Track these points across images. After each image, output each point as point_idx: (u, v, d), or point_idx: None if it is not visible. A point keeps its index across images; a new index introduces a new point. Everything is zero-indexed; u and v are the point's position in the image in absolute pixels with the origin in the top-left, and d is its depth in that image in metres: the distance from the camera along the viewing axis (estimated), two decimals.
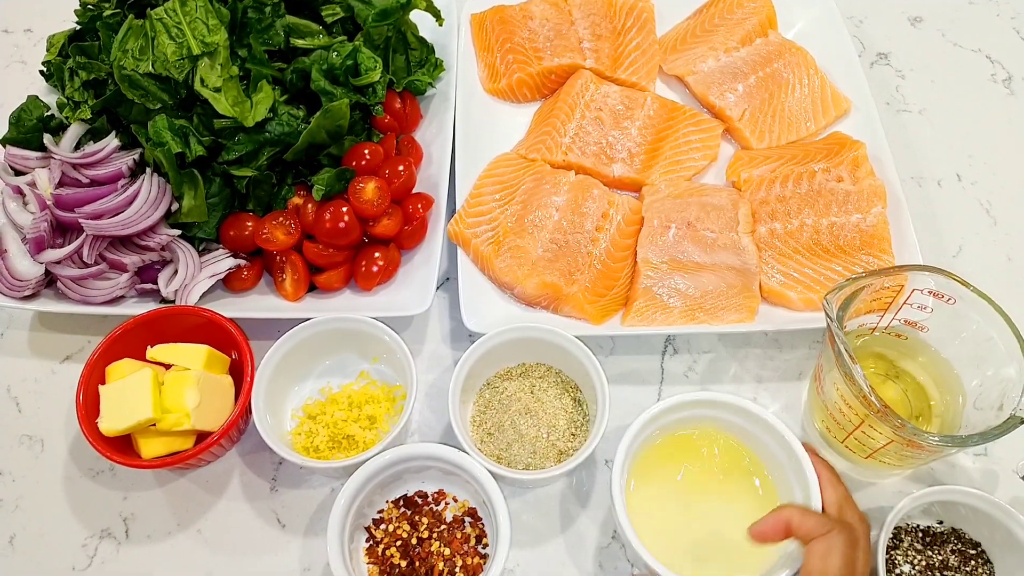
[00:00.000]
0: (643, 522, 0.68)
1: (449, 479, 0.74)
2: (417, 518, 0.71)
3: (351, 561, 0.67)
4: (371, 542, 0.71)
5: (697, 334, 0.86)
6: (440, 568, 0.68)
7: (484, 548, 0.71)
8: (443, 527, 0.71)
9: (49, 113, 0.91)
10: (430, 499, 0.73)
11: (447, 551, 0.69)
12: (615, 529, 0.76)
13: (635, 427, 0.69)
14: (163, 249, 0.84)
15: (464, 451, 0.69)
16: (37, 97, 0.91)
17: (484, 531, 0.71)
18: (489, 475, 0.68)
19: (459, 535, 0.71)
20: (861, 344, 0.77)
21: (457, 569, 0.68)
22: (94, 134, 0.89)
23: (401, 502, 0.73)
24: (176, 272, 0.84)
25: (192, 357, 0.76)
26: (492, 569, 0.64)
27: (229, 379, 0.78)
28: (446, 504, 0.74)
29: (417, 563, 0.68)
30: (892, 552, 0.72)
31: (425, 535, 0.70)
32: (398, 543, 0.70)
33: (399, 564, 0.68)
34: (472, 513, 0.73)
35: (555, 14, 1.04)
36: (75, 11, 0.91)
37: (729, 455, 0.74)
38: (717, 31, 1.04)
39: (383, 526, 0.71)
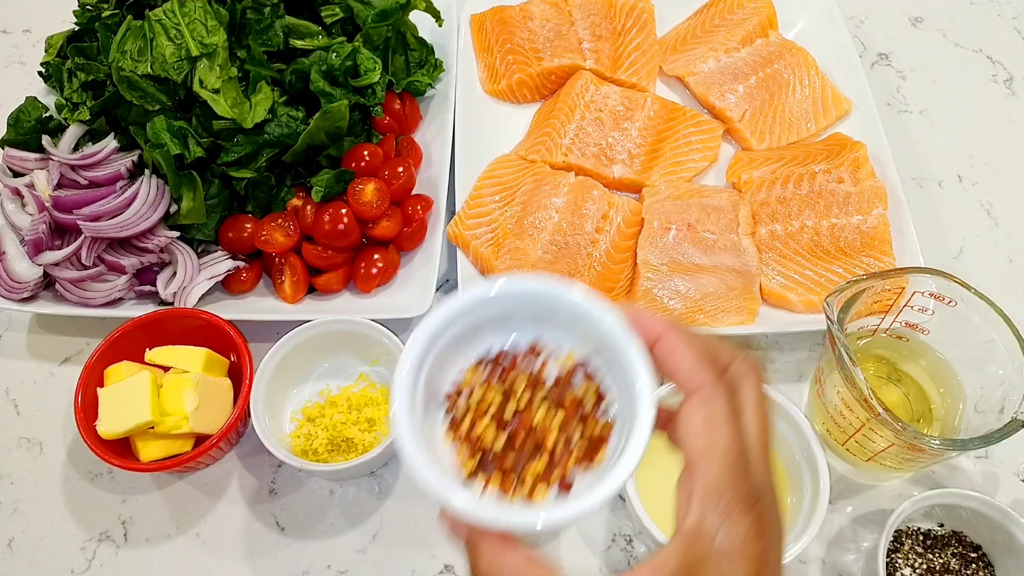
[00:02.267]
0: (650, 499, 0.68)
1: (546, 323, 0.53)
2: (510, 380, 0.51)
3: (429, 444, 0.47)
4: (451, 419, 0.52)
5: None
6: (552, 442, 0.47)
7: (608, 411, 0.49)
8: (547, 389, 0.51)
9: (48, 114, 0.91)
10: (523, 353, 0.53)
11: (557, 419, 0.49)
12: (614, 532, 0.76)
13: None
14: (162, 251, 0.84)
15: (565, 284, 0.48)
16: (36, 98, 0.90)
17: (603, 390, 0.51)
18: (610, 314, 0.45)
19: (570, 398, 0.50)
20: (862, 346, 0.77)
21: (575, 441, 0.48)
22: (93, 135, 0.88)
23: (486, 361, 0.52)
24: (175, 274, 0.83)
25: (191, 360, 0.75)
26: (634, 435, 0.42)
27: (228, 381, 0.78)
28: (546, 358, 0.53)
29: (519, 438, 0.49)
30: (893, 555, 0.72)
31: (524, 401, 0.50)
32: (489, 414, 0.50)
33: (494, 441, 0.49)
34: (584, 366, 0.52)
35: (555, 15, 1.03)
36: (74, 12, 0.91)
37: None
38: (717, 32, 1.04)
39: (465, 393, 0.51)
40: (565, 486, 0.45)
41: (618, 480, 0.40)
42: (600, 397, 0.48)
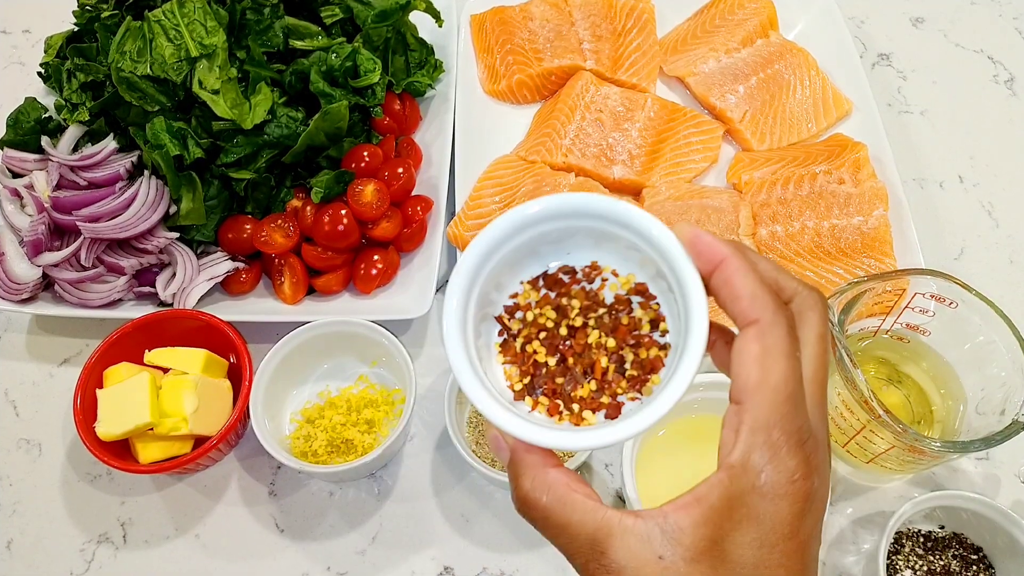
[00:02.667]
0: (651, 502, 0.68)
1: (604, 246, 0.51)
2: (565, 301, 0.50)
3: (480, 363, 0.47)
4: (505, 336, 0.50)
5: None
6: (604, 365, 0.46)
7: (663, 336, 0.48)
8: (602, 311, 0.49)
9: (47, 115, 0.90)
10: (579, 275, 0.51)
11: (611, 341, 0.47)
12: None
13: None
14: (161, 252, 0.84)
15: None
16: (35, 99, 0.90)
17: (661, 314, 0.48)
18: (667, 232, 0.43)
19: (626, 320, 0.49)
20: (862, 348, 0.77)
21: (628, 365, 0.47)
22: (92, 136, 0.88)
23: (540, 281, 0.51)
24: (174, 275, 0.83)
25: (190, 361, 0.75)
26: (683, 363, 0.40)
27: (227, 383, 0.78)
28: (603, 281, 0.51)
29: (571, 359, 0.47)
30: (893, 557, 0.72)
31: (578, 323, 0.48)
32: (542, 335, 0.48)
33: (546, 362, 0.47)
34: (642, 291, 0.51)
35: (555, 15, 1.03)
36: (73, 12, 0.91)
37: None
38: (718, 32, 1.04)
39: (519, 314, 0.50)
40: (613, 412, 0.44)
41: (667, 403, 0.39)
42: (657, 320, 0.46)
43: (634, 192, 0.94)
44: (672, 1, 1.09)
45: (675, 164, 0.94)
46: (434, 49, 0.99)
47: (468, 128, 0.95)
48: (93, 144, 0.87)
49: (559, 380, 0.45)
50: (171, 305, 0.83)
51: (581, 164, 0.93)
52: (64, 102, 0.88)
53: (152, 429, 0.72)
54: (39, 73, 0.94)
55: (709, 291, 0.40)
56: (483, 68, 1.03)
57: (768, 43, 1.03)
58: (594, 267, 0.49)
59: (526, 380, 0.46)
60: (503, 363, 0.48)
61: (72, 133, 0.87)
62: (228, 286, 0.85)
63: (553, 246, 0.48)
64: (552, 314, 0.48)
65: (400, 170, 0.87)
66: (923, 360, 0.75)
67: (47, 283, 0.84)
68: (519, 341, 0.48)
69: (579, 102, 0.96)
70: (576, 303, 0.47)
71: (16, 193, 0.85)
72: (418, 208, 0.87)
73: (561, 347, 0.47)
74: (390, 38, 0.94)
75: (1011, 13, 1.15)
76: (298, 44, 0.89)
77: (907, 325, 0.74)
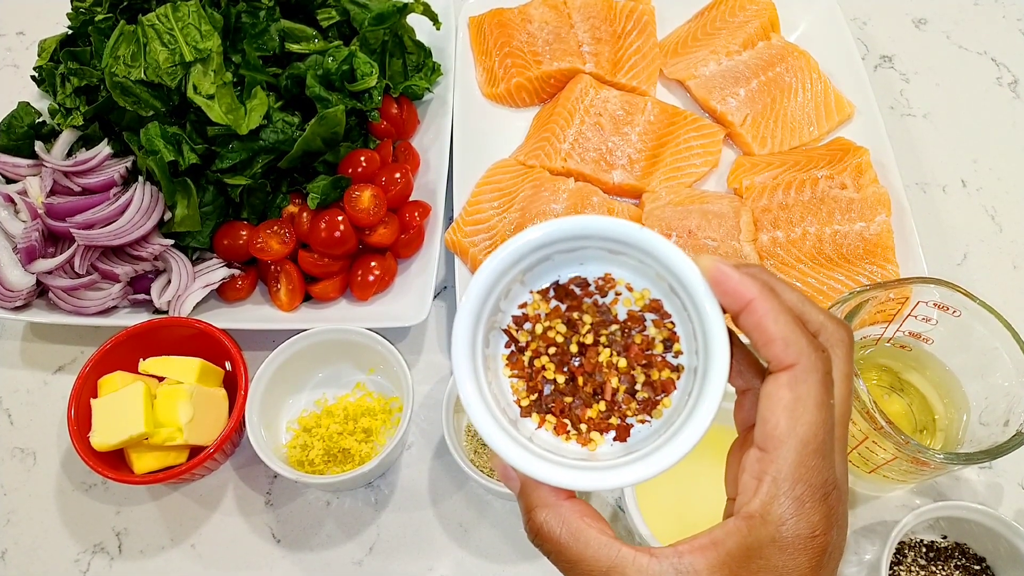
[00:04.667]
0: (650, 511, 0.67)
1: (619, 259, 0.48)
2: (576, 315, 0.47)
3: (486, 375, 0.46)
4: (513, 348, 0.48)
5: None
6: (614, 386, 0.45)
7: (677, 357, 0.46)
8: (614, 328, 0.47)
9: (41, 119, 0.90)
10: (592, 287, 0.49)
11: (622, 362, 0.45)
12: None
13: None
14: (156, 259, 0.83)
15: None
16: (28, 103, 0.89)
17: (675, 333, 0.46)
18: (689, 264, 0.42)
19: (638, 339, 0.47)
20: (865, 356, 0.76)
21: (639, 386, 0.45)
22: (86, 141, 0.87)
23: (551, 292, 0.48)
24: (169, 282, 0.83)
25: (185, 370, 0.74)
26: (707, 387, 0.40)
27: (223, 392, 0.77)
28: (617, 295, 0.48)
29: (580, 379, 0.45)
30: (896, 568, 0.71)
31: (589, 340, 0.46)
32: (551, 350, 0.47)
33: (554, 379, 0.46)
34: (656, 307, 0.47)
35: (554, 17, 1.02)
36: (67, 14, 0.90)
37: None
38: (719, 34, 1.03)
39: (528, 325, 0.48)
40: (622, 434, 0.43)
41: (685, 446, 0.38)
42: (671, 340, 0.45)
43: (634, 196, 0.93)
44: (672, 3, 1.08)
45: (675, 168, 0.93)
46: (432, 52, 0.98)
47: (466, 132, 0.94)
48: (87, 149, 0.86)
49: (568, 399, 0.44)
50: (166, 312, 0.82)
51: (580, 169, 0.92)
52: (58, 106, 0.88)
53: (147, 439, 0.71)
54: (33, 77, 0.94)
55: (737, 326, 0.39)
56: (481, 71, 1.02)
57: (769, 45, 1.02)
58: (607, 280, 0.47)
59: (533, 396, 0.44)
60: (510, 376, 0.46)
61: (66, 138, 0.86)
62: (224, 293, 0.85)
63: (566, 255, 0.47)
64: (563, 328, 0.46)
65: (397, 175, 0.86)
66: (926, 368, 0.75)
67: (41, 290, 0.83)
68: (527, 355, 0.46)
69: (578, 106, 0.95)
70: (588, 318, 0.46)
71: (9, 199, 0.85)
72: (416, 214, 0.87)
73: (571, 365, 0.45)
74: (387, 41, 0.93)
75: (1015, 15, 1.14)
76: (294, 48, 0.88)
77: (910, 333, 0.73)
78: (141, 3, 0.87)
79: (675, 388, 0.43)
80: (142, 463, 0.72)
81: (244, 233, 0.84)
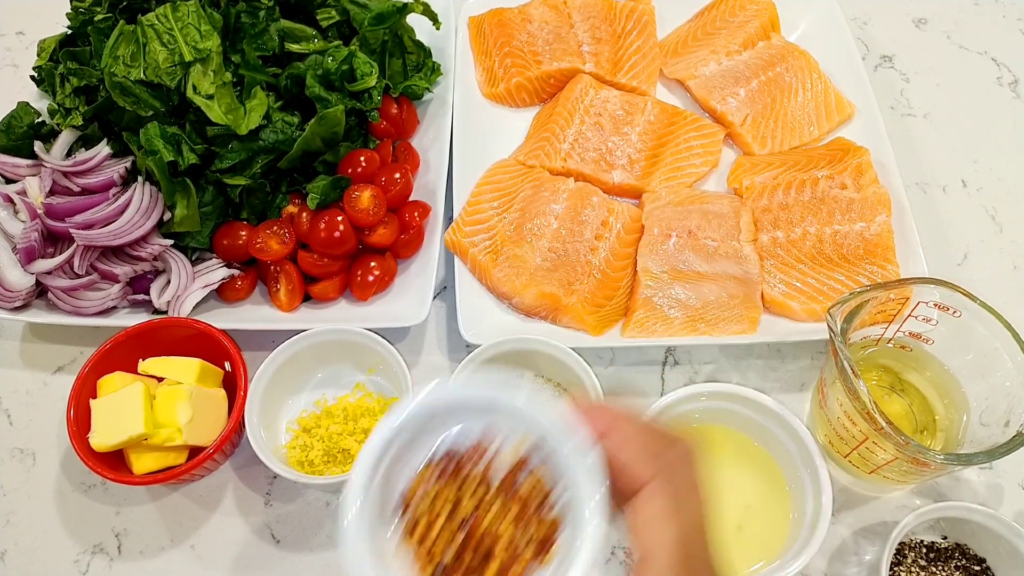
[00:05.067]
0: None
1: (491, 418, 0.51)
2: (455, 489, 0.49)
3: (385, 552, 0.48)
4: (405, 524, 0.50)
5: (698, 345, 0.85)
6: (503, 546, 0.46)
7: (556, 503, 0.47)
8: (493, 493, 0.49)
9: (40, 119, 0.89)
10: (469, 454, 0.50)
11: (506, 526, 0.47)
12: (613, 546, 0.75)
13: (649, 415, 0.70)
14: (155, 259, 0.83)
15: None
16: (28, 103, 0.89)
17: (552, 481, 0.48)
18: (538, 405, 0.47)
19: (516, 507, 0.48)
20: (865, 356, 0.76)
21: (525, 542, 0.46)
22: (86, 141, 0.87)
23: (432, 466, 0.51)
24: (169, 282, 0.82)
25: (184, 371, 0.74)
26: (584, 528, 0.43)
27: (222, 392, 0.77)
28: (492, 456, 0.50)
29: (468, 554, 0.47)
30: (896, 568, 0.71)
31: (469, 508, 0.48)
32: (439, 522, 0.48)
33: (445, 552, 0.47)
34: (526, 461, 0.49)
35: (554, 17, 1.02)
36: (67, 14, 0.90)
37: (736, 447, 0.74)
38: (719, 34, 1.03)
39: (416, 500, 0.50)
40: None
41: None
42: (548, 492, 0.48)
43: (634, 196, 0.93)
44: (672, 3, 1.08)
45: (675, 168, 0.93)
46: (432, 52, 0.98)
47: (466, 132, 0.94)
48: (87, 149, 0.86)
49: (462, 567, 0.47)
50: (165, 313, 0.82)
51: (580, 169, 0.92)
52: (57, 106, 0.87)
53: (146, 439, 0.71)
54: (32, 77, 0.93)
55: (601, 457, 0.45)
56: (481, 71, 1.02)
57: (769, 45, 1.02)
58: (485, 438, 0.50)
59: (430, 570, 0.47)
60: (406, 549, 0.48)
61: (65, 138, 0.86)
62: (223, 293, 0.84)
63: (449, 414, 0.51)
64: (451, 494, 0.49)
65: (397, 175, 0.86)
66: (926, 369, 0.75)
67: (40, 290, 0.83)
68: (420, 527, 0.49)
69: (578, 106, 0.95)
70: (471, 482, 0.49)
71: (9, 199, 0.84)
72: (415, 214, 0.86)
73: (459, 536, 0.48)
74: (387, 41, 0.93)
75: (1015, 14, 1.14)
76: (294, 47, 0.88)
77: (910, 333, 0.73)
78: (141, 3, 0.86)
79: (560, 529, 0.47)
80: (141, 464, 0.72)
81: (244, 233, 0.84)
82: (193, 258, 0.85)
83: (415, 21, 0.96)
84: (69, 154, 0.87)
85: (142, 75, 0.80)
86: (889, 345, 0.75)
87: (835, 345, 0.65)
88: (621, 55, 1.01)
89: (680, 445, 0.47)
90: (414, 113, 0.96)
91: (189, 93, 0.80)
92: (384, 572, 0.46)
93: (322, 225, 0.82)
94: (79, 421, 0.72)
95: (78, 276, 0.81)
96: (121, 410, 0.71)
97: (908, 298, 0.70)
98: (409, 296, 0.84)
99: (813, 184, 0.88)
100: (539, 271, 0.83)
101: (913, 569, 0.71)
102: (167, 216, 0.83)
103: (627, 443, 0.45)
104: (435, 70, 0.98)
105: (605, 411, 0.46)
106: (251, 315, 0.84)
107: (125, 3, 0.87)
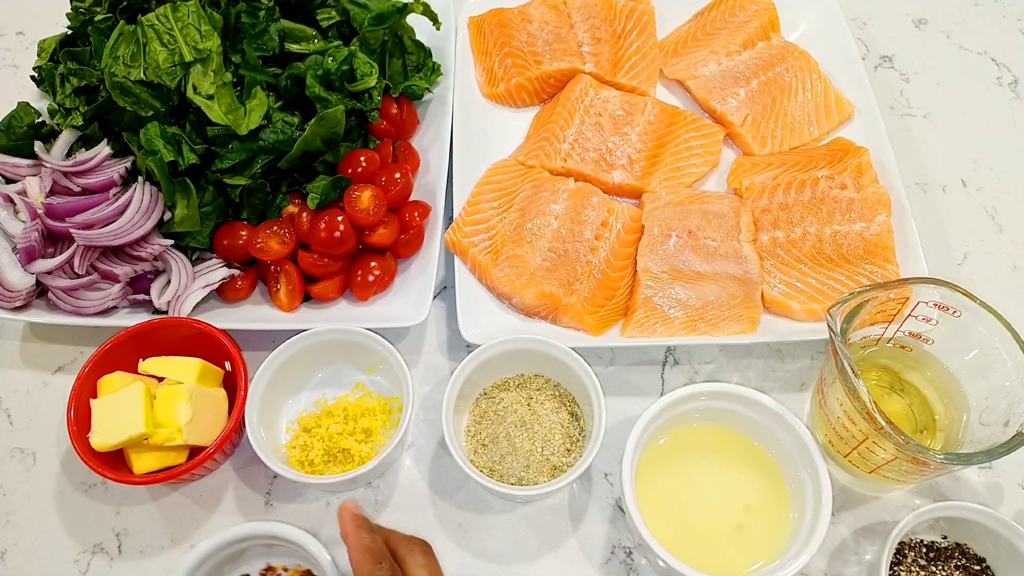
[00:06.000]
0: (650, 512, 0.68)
1: (274, 549, 0.68)
2: None
3: None
4: None
5: (698, 345, 0.85)
6: None
7: None
8: None
9: (40, 120, 0.89)
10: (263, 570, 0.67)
11: None
12: (613, 545, 0.75)
13: (649, 414, 0.70)
14: (156, 259, 0.83)
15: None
16: (28, 104, 0.89)
17: None
18: (295, 533, 0.63)
19: None
20: (865, 356, 0.76)
21: None
22: (86, 141, 0.87)
23: None
24: (169, 282, 0.83)
25: (185, 370, 0.74)
26: None
27: (222, 392, 0.77)
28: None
29: None
30: (896, 568, 0.71)
31: None
32: None
33: None
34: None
35: (554, 17, 1.02)
36: (67, 14, 0.90)
37: (736, 446, 0.74)
38: (719, 34, 1.03)
39: None
40: None
41: None
42: None
43: (634, 196, 0.93)
44: (672, 3, 1.08)
45: (675, 169, 0.93)
46: (432, 52, 0.98)
47: (466, 132, 0.94)
48: (87, 149, 0.86)
49: None
50: (166, 313, 0.82)
51: (580, 169, 0.92)
52: (57, 107, 0.87)
53: (147, 439, 0.71)
54: (32, 77, 0.93)
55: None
56: (481, 71, 1.02)
57: (769, 45, 1.02)
58: (269, 570, 0.68)
59: None
60: None
61: (65, 138, 0.86)
62: (223, 293, 0.85)
63: (233, 557, 0.67)
64: None
65: (397, 175, 0.86)
66: (926, 369, 0.75)
67: (41, 290, 0.83)
68: None
69: (578, 106, 0.95)
70: None
71: (9, 199, 0.84)
72: (415, 214, 0.86)
73: None
74: (387, 41, 0.93)
75: (1015, 14, 1.14)
76: (294, 48, 0.88)
77: (910, 333, 0.73)
78: (141, 3, 0.86)
79: None
80: (142, 463, 0.72)
81: (244, 233, 0.84)
82: (193, 258, 0.85)
83: (415, 21, 0.97)
84: (69, 154, 0.87)
85: (142, 75, 0.80)
86: (889, 345, 0.75)
87: (835, 345, 0.65)
88: (621, 55, 1.01)
89: (409, 540, 0.60)
90: (414, 113, 0.96)
91: (189, 93, 0.80)
92: None
93: (322, 225, 0.82)
94: (79, 421, 0.72)
95: (78, 276, 0.81)
96: (121, 410, 0.71)
97: (908, 298, 0.70)
98: (409, 296, 0.84)
99: (813, 184, 0.88)
100: (539, 271, 0.83)
101: (913, 569, 0.72)
102: (167, 216, 0.83)
103: (355, 551, 0.56)
104: (435, 70, 0.98)
105: (344, 527, 0.58)
106: (251, 315, 0.84)
107: (125, 3, 0.87)
